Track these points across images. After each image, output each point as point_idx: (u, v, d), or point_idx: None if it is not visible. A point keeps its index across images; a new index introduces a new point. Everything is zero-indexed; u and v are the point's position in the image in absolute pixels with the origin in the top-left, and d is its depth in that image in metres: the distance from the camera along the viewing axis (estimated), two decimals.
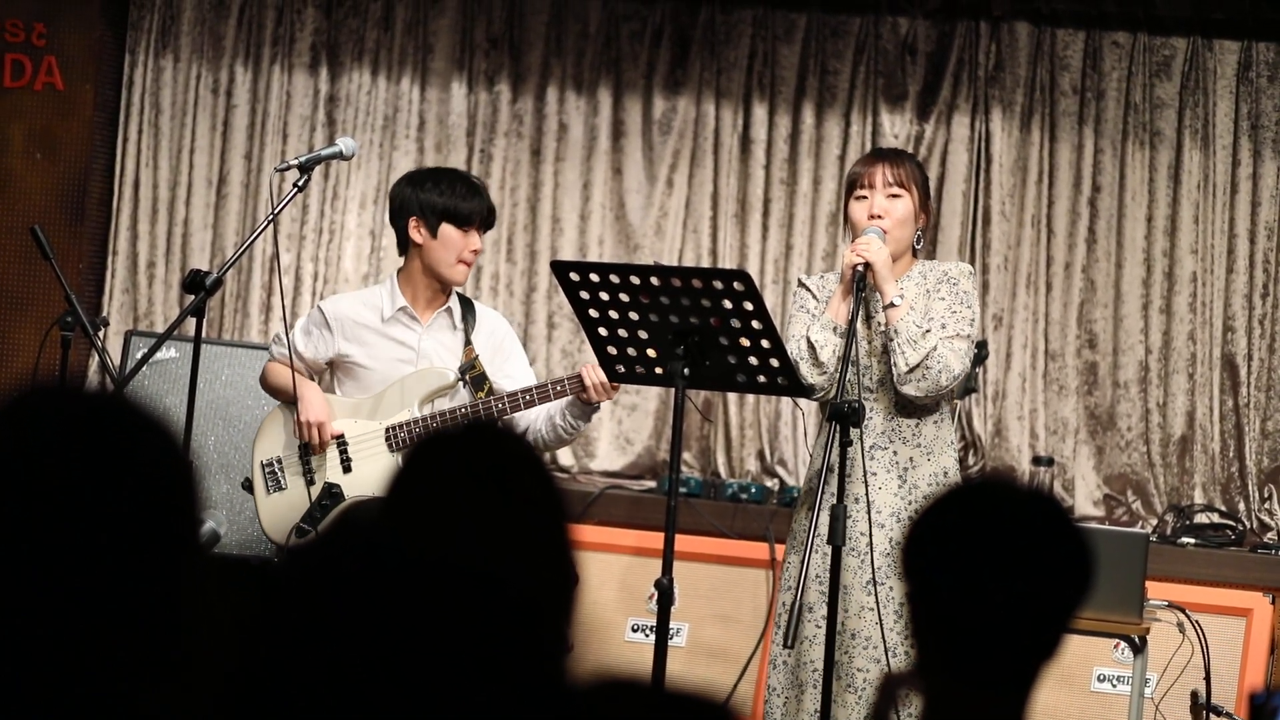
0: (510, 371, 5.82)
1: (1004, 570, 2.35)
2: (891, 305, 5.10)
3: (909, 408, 5.15)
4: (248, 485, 5.88)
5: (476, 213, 5.73)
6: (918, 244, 5.28)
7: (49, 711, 1.72)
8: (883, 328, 5.15)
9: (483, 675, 1.72)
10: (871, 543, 5.04)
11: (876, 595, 5.01)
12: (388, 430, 5.72)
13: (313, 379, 5.83)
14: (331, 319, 5.80)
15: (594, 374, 5.48)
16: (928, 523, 2.43)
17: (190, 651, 1.78)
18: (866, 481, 5.07)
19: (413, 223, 5.73)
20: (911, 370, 5.06)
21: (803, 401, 6.82)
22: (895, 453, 5.14)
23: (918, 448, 5.16)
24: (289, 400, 5.78)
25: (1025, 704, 2.36)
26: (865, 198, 5.21)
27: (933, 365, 5.05)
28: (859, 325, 5.10)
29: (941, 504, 2.45)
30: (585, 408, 5.60)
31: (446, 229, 5.71)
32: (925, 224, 5.30)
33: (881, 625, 5.01)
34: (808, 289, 5.32)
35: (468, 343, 5.78)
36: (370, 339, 5.78)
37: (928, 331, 5.09)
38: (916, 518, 2.45)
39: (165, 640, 1.77)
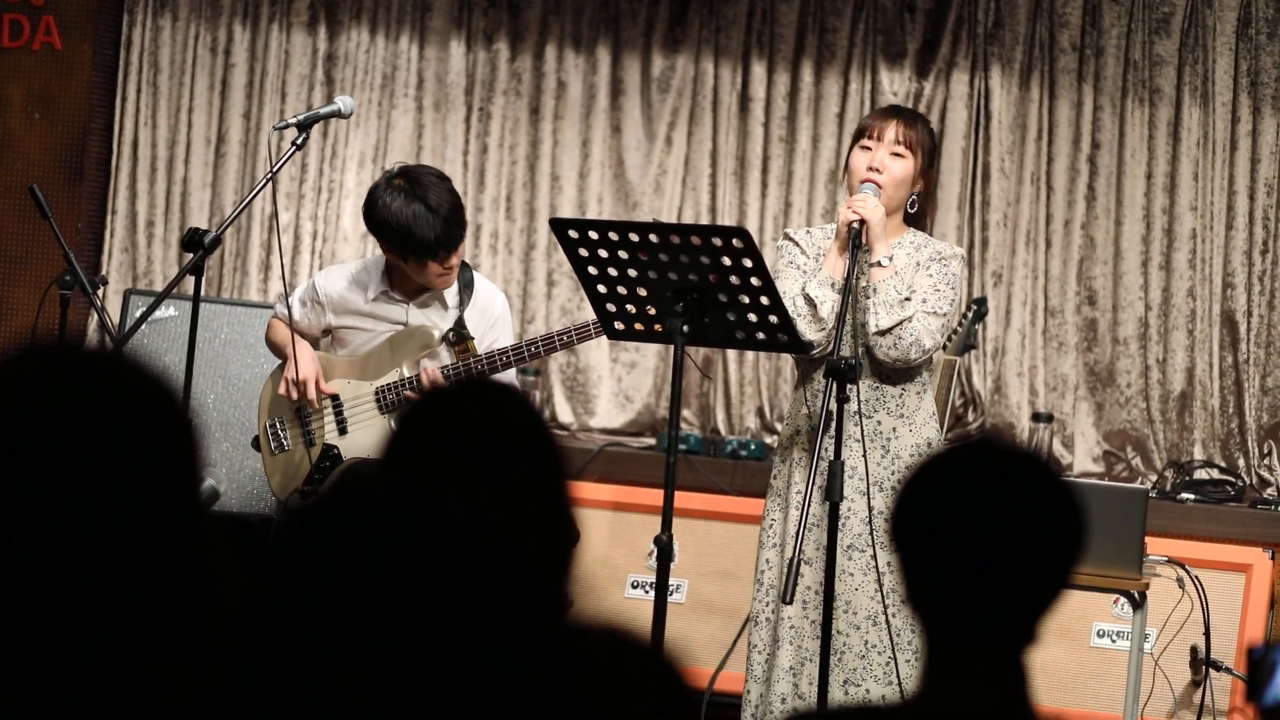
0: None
1: (993, 533, 2.34)
2: (878, 264, 5.06)
3: (892, 375, 5.10)
4: (256, 444, 5.91)
5: (432, 249, 5.53)
6: (911, 208, 5.22)
7: (58, 676, 1.72)
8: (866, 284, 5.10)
9: (481, 634, 1.72)
10: (852, 509, 5.01)
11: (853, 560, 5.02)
12: (377, 391, 5.72)
13: (312, 341, 5.83)
14: (322, 295, 5.78)
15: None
16: (914, 488, 2.41)
17: (196, 610, 1.78)
18: (865, 443, 5.05)
19: (381, 244, 5.67)
20: (883, 333, 5.01)
21: None
22: (879, 422, 5.10)
23: (901, 418, 5.11)
24: (287, 357, 5.78)
25: (1024, 663, 2.36)
26: (869, 149, 5.16)
27: (904, 336, 5.00)
28: (855, 283, 5.07)
29: (926, 469, 2.43)
30: None
31: (409, 261, 5.64)
32: (923, 190, 5.23)
33: (861, 592, 5.01)
34: (795, 242, 5.27)
35: (460, 319, 5.73)
36: (359, 317, 5.76)
37: (907, 299, 5.05)
38: (902, 484, 2.42)
39: (170, 599, 1.77)
